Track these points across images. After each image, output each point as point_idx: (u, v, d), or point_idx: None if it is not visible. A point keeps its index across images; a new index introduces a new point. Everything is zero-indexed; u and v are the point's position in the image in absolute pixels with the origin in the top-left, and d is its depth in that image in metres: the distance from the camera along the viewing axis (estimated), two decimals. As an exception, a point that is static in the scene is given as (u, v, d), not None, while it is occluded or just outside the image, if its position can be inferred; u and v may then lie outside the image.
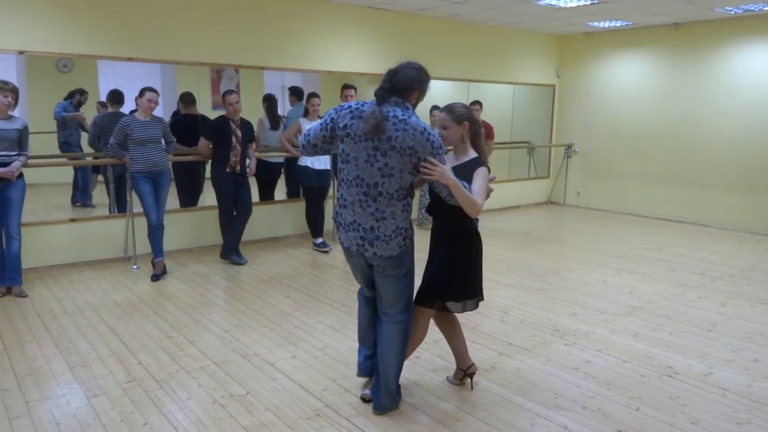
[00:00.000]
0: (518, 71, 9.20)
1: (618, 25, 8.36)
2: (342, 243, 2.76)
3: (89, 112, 6.42)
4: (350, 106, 2.63)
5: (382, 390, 2.91)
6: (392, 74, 2.61)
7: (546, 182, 10.09)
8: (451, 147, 2.93)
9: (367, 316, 3.06)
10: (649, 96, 8.70)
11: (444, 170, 2.60)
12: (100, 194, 6.61)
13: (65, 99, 6.34)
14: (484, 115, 7.61)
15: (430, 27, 7.96)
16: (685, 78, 8.28)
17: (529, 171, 9.97)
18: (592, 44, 9.27)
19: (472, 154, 2.92)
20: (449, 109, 2.88)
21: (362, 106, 2.61)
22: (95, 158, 6.24)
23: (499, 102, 9.30)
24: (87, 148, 6.36)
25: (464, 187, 2.68)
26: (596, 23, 8.29)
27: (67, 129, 6.34)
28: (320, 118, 6.40)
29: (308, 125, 6.04)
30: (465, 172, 2.80)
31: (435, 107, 7.30)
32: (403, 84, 2.59)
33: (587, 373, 3.46)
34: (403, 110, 2.58)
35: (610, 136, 9.21)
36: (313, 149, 2.76)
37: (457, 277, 2.92)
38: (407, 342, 2.91)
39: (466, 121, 2.87)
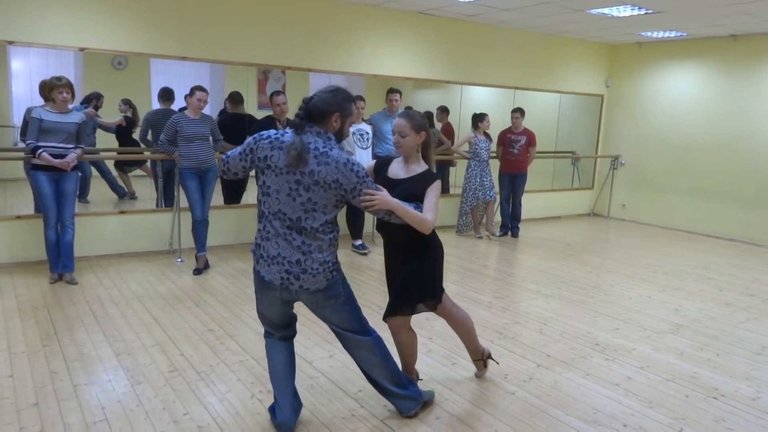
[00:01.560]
0: (566, 80, 9.06)
1: (672, 35, 8.16)
2: (262, 277, 2.54)
3: (109, 116, 6.62)
4: (269, 136, 2.48)
5: (392, 398, 2.88)
6: (306, 101, 2.47)
7: (590, 193, 9.90)
8: (403, 154, 2.89)
9: (283, 358, 2.75)
10: (702, 110, 8.44)
11: (383, 197, 2.54)
12: (146, 188, 6.82)
13: (81, 103, 6.55)
14: (527, 123, 7.54)
15: (477, 33, 7.92)
16: (741, 92, 8.01)
17: (573, 181, 9.80)
18: (644, 54, 9.06)
19: (423, 165, 2.88)
20: (409, 116, 2.84)
21: (282, 135, 2.46)
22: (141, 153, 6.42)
23: (544, 111, 9.19)
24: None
25: (409, 204, 2.64)
26: (649, 33, 8.10)
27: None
28: (364, 121, 6.45)
29: (353, 128, 6.10)
30: (413, 185, 2.77)
31: (477, 115, 7.30)
32: (318, 109, 2.45)
33: (628, 390, 3.37)
34: (324, 141, 2.45)
35: (660, 149, 8.97)
36: (235, 176, 2.62)
37: (430, 281, 2.94)
38: (385, 349, 2.80)
39: (424, 131, 2.83)
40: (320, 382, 3.28)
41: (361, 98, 6.33)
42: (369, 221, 6.65)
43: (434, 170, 2.91)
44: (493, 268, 6.15)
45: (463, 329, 3.24)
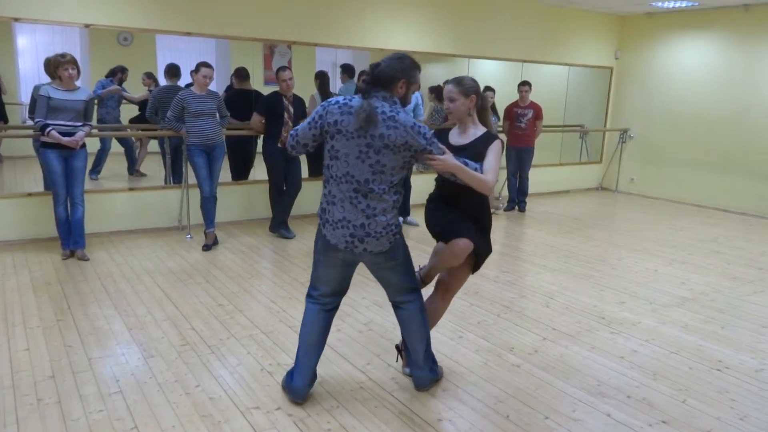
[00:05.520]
0: (574, 52, 8.95)
1: (683, 5, 8.01)
2: (328, 240, 2.64)
3: (134, 89, 6.63)
4: (338, 101, 2.57)
5: (416, 366, 2.95)
6: (374, 67, 2.57)
7: (598, 167, 9.84)
8: (454, 122, 2.90)
9: (320, 327, 2.81)
10: (713, 81, 8.33)
11: (445, 160, 2.59)
12: (155, 165, 6.86)
13: (106, 76, 6.56)
14: (534, 96, 7.47)
15: (484, 6, 7.81)
16: (753, 64, 7.89)
17: (581, 155, 9.75)
18: (654, 25, 8.91)
19: (482, 129, 2.89)
20: (457, 81, 2.83)
21: (350, 101, 2.55)
22: (151, 130, 6.44)
23: (552, 83, 9.10)
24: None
25: (470, 166, 2.67)
26: (660, 3, 7.95)
27: (105, 106, 6.55)
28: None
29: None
30: (477, 149, 2.79)
31: (487, 88, 7.21)
32: (385, 75, 2.54)
33: (633, 363, 3.41)
34: (390, 105, 2.54)
35: (670, 121, 8.88)
36: (303, 149, 2.70)
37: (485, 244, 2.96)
38: (426, 315, 2.92)
39: (474, 95, 2.83)
40: (329, 355, 3.34)
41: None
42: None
43: (494, 132, 2.92)
44: (499, 242, 6.17)
45: (433, 312, 3.09)
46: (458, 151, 2.77)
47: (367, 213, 2.57)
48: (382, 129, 2.49)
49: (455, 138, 2.90)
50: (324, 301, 2.82)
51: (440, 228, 2.90)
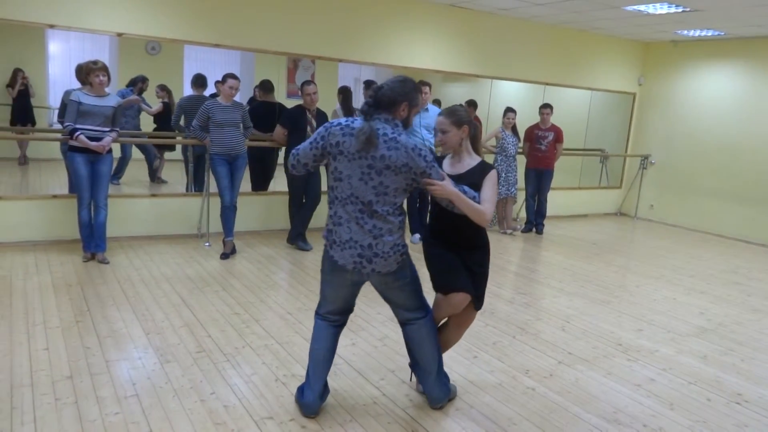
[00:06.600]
0: (597, 77, 8.95)
1: (709, 34, 7.99)
2: (335, 261, 2.66)
3: (149, 101, 6.75)
4: (339, 123, 2.60)
5: (429, 384, 2.94)
6: (376, 90, 2.60)
7: (617, 193, 9.78)
8: (448, 152, 2.90)
9: (328, 343, 2.85)
10: (737, 111, 8.27)
11: (444, 186, 2.60)
12: (177, 173, 6.95)
13: (127, 86, 6.68)
14: (555, 119, 7.48)
15: (508, 27, 7.87)
16: (778, 94, 7.83)
17: (601, 180, 9.70)
18: (679, 53, 8.89)
19: (476, 158, 2.89)
20: (448, 112, 2.84)
21: (352, 122, 2.58)
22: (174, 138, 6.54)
23: (574, 107, 9.10)
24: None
25: (468, 194, 2.67)
26: (685, 31, 7.95)
27: (124, 116, 6.66)
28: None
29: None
30: (473, 179, 2.78)
31: (509, 109, 7.23)
32: (387, 98, 2.57)
33: (650, 391, 3.37)
34: (392, 128, 2.56)
35: (692, 149, 8.82)
36: (304, 168, 2.72)
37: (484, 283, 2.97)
38: (436, 333, 2.92)
39: (466, 125, 2.83)
40: (343, 369, 3.34)
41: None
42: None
43: (489, 164, 2.93)
44: (516, 264, 6.15)
45: (444, 341, 3.11)
46: (454, 180, 2.77)
47: (374, 233, 2.59)
48: (383, 150, 2.52)
49: (448, 167, 2.89)
50: (332, 319, 2.86)
51: (439, 282, 2.91)
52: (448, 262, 2.87)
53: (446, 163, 2.93)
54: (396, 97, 2.58)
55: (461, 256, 2.87)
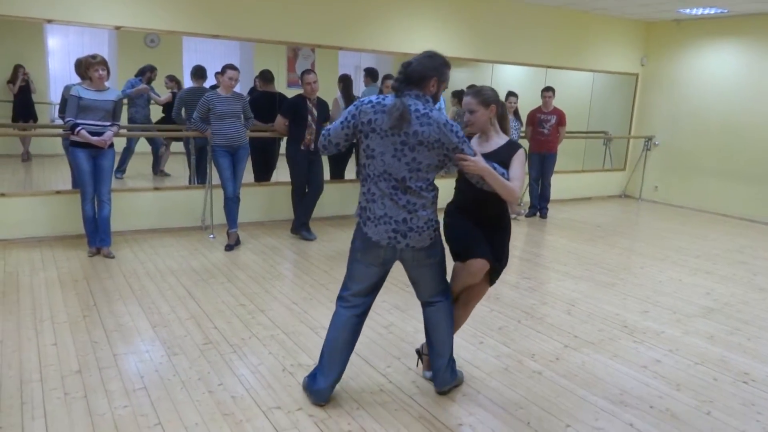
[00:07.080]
0: (599, 58, 8.87)
1: (712, 12, 7.90)
2: (369, 238, 2.66)
3: (157, 91, 6.74)
4: (371, 101, 2.60)
5: (439, 368, 2.94)
6: (406, 65, 2.58)
7: (621, 175, 9.74)
8: (476, 132, 2.90)
9: (348, 333, 2.79)
10: (742, 89, 8.19)
11: (477, 161, 2.61)
12: (179, 166, 6.95)
13: (136, 76, 6.66)
14: (557, 102, 7.43)
15: (509, 11, 7.79)
16: (783, 71, 7.75)
17: (604, 162, 9.65)
18: (682, 32, 8.80)
19: (504, 137, 2.89)
20: (476, 92, 2.84)
21: (383, 100, 2.58)
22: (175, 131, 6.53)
23: (576, 90, 9.03)
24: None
25: (498, 171, 2.68)
26: (688, 10, 7.86)
27: (134, 105, 6.65)
28: None
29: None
30: (501, 157, 2.79)
31: (511, 93, 7.18)
32: (417, 73, 2.56)
33: (656, 372, 3.37)
34: (423, 104, 2.57)
35: (696, 129, 8.76)
36: (336, 148, 2.71)
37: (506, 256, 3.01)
38: (453, 318, 2.95)
39: (493, 104, 2.83)
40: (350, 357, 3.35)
41: (392, 77, 6.28)
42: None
43: (514, 138, 2.93)
44: (520, 248, 6.14)
45: (456, 320, 3.09)
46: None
47: (408, 208, 2.60)
48: (416, 126, 2.52)
49: (476, 147, 2.88)
50: (356, 302, 2.80)
51: (458, 248, 2.92)
52: (468, 230, 2.89)
53: (474, 142, 2.93)
54: (426, 72, 2.57)
55: (483, 234, 2.88)
